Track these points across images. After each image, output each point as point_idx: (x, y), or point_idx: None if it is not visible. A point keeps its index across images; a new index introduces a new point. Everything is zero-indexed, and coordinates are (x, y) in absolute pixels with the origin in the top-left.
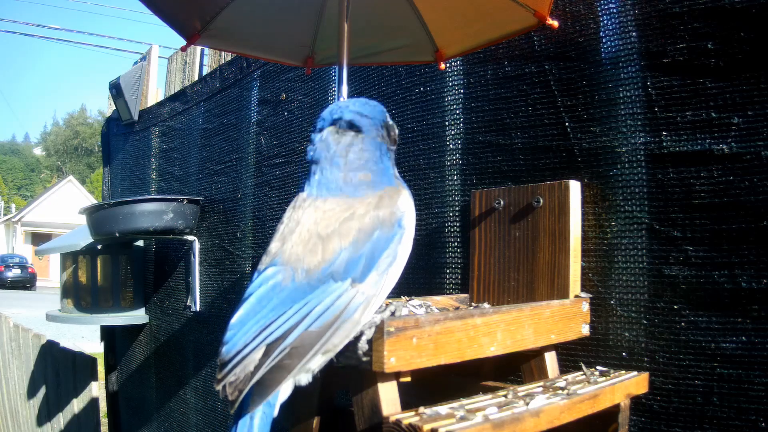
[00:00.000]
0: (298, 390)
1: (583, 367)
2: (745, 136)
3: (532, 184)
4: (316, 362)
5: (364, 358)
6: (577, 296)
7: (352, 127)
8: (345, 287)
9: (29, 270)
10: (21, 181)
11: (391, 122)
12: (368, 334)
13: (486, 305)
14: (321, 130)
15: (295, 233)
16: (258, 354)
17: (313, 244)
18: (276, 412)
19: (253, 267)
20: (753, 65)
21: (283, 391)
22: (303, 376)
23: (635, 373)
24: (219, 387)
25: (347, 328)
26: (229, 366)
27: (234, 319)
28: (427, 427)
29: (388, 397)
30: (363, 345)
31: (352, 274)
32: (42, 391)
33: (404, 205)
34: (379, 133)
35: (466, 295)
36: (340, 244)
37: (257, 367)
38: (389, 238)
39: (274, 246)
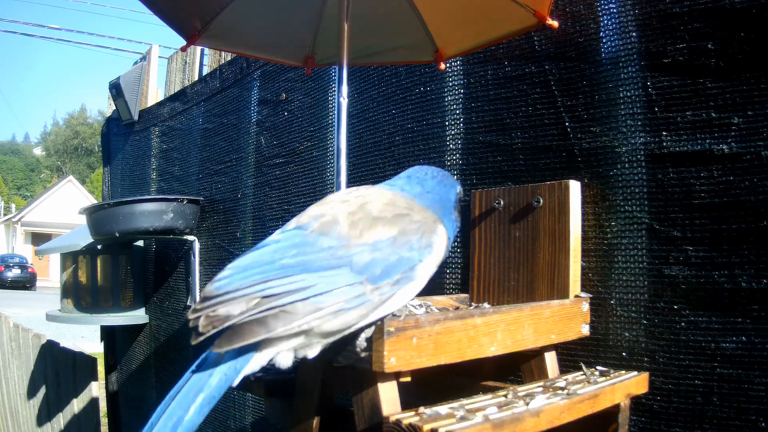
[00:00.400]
0: (297, 390)
1: (583, 367)
2: (745, 136)
3: (532, 184)
4: (298, 343)
5: (363, 354)
6: (577, 296)
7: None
8: (357, 282)
9: (29, 270)
10: (21, 181)
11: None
12: (367, 332)
13: (486, 305)
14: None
15: (348, 202)
16: (247, 300)
17: (358, 219)
18: (237, 381)
19: None
20: (753, 65)
21: (255, 361)
22: (281, 355)
23: (635, 373)
24: (193, 316)
25: (339, 322)
26: (214, 301)
27: (236, 262)
28: (427, 427)
29: (388, 397)
30: (361, 342)
31: (368, 273)
32: (42, 391)
33: (442, 233)
34: (455, 193)
35: (466, 295)
36: (380, 234)
37: (242, 313)
38: (416, 257)
39: (314, 210)
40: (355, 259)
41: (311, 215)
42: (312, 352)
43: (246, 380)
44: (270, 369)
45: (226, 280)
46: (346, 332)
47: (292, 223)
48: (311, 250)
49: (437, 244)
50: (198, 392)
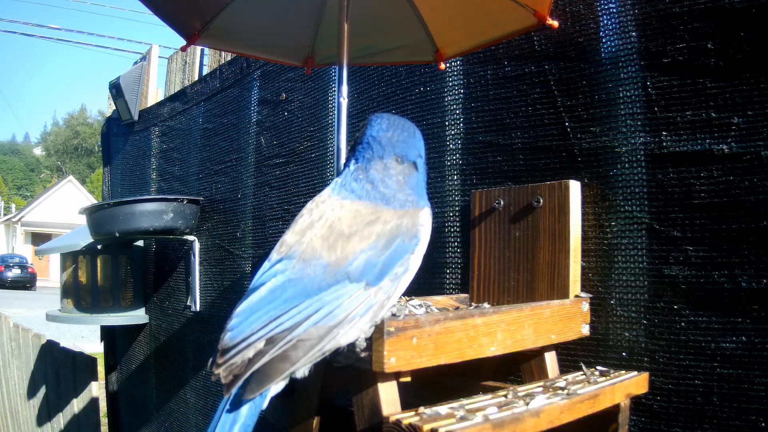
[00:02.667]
0: (297, 387)
1: (583, 367)
2: (745, 136)
3: (532, 184)
4: (316, 357)
5: (363, 354)
6: (577, 296)
7: (410, 162)
8: (359, 288)
9: (29, 270)
10: (21, 181)
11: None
12: (367, 332)
13: (486, 305)
14: (375, 143)
15: (315, 227)
16: (263, 342)
17: (334, 240)
18: (265, 404)
19: (253, 267)
20: (753, 65)
21: (277, 384)
22: (300, 371)
23: (635, 373)
24: (217, 371)
25: (355, 332)
26: (232, 352)
27: (241, 308)
28: (427, 427)
29: (388, 397)
30: (361, 343)
31: (367, 277)
32: (42, 391)
33: (424, 218)
34: (424, 167)
35: (466, 295)
36: (361, 245)
37: (259, 353)
38: (406, 248)
39: (290, 238)
40: (350, 269)
41: (289, 243)
42: (321, 359)
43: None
44: None
45: (237, 329)
46: (363, 334)
47: (275, 254)
48: (305, 279)
49: (422, 230)
50: (233, 424)
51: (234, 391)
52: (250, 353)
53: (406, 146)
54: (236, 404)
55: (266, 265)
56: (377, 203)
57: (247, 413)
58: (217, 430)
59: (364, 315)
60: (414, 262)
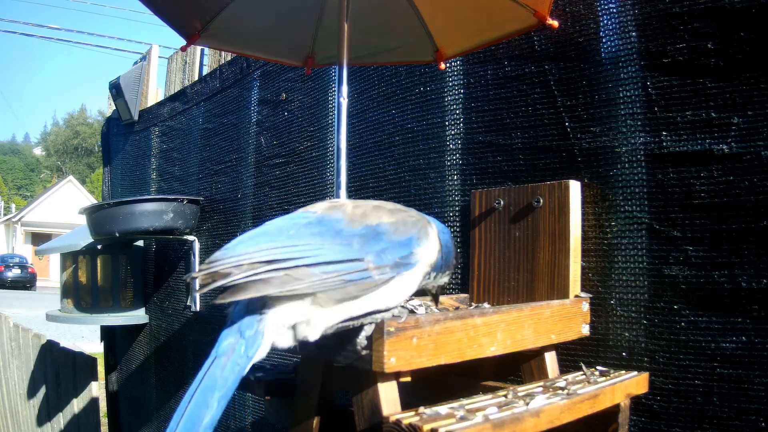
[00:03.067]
0: (297, 389)
1: (583, 367)
2: (745, 136)
3: (532, 184)
4: (300, 313)
5: (363, 353)
6: (577, 296)
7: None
8: (360, 256)
9: (29, 270)
10: (21, 181)
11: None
12: (368, 330)
13: (486, 305)
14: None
15: (351, 202)
16: (253, 262)
17: (352, 207)
18: (248, 367)
19: None
20: (753, 65)
21: (263, 346)
22: (281, 334)
23: (635, 373)
24: (196, 274)
25: (341, 293)
26: (217, 263)
27: (244, 234)
28: (427, 427)
29: (388, 397)
30: (362, 341)
31: (371, 251)
32: (42, 391)
33: (433, 234)
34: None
35: (466, 295)
36: (376, 216)
37: (245, 270)
38: (412, 245)
39: (319, 204)
40: (359, 236)
41: (315, 206)
42: (311, 333)
43: (246, 380)
44: (271, 369)
45: (231, 248)
46: (348, 309)
47: (297, 212)
48: (317, 226)
49: (432, 237)
50: (214, 388)
51: (199, 291)
52: (235, 269)
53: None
54: (218, 364)
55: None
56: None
57: (232, 376)
58: (197, 392)
59: (355, 283)
60: (419, 259)
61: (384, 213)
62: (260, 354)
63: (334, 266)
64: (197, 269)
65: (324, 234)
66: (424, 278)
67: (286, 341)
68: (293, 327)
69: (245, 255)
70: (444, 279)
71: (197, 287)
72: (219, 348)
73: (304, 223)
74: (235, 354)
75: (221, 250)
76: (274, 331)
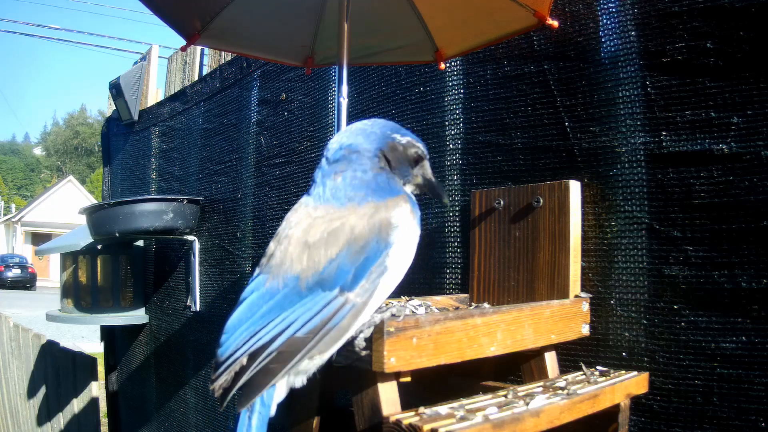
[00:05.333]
0: (296, 391)
1: (583, 367)
2: (744, 135)
3: (532, 184)
4: (305, 366)
5: (363, 353)
6: (577, 296)
7: (344, 159)
8: (333, 295)
9: (29, 270)
10: (21, 181)
11: (398, 144)
12: (366, 332)
13: (486, 305)
14: (323, 161)
15: (287, 239)
16: (245, 358)
17: (300, 252)
18: (272, 412)
19: (253, 267)
20: (752, 65)
21: (278, 392)
22: (296, 378)
23: (635, 373)
24: (212, 387)
25: (334, 335)
26: (221, 368)
27: (229, 323)
28: (427, 427)
29: (388, 397)
30: (360, 342)
31: (341, 283)
32: (42, 391)
33: (399, 217)
34: (373, 163)
35: (466, 295)
36: (327, 253)
37: (243, 369)
38: (380, 250)
39: (270, 247)
40: (321, 279)
41: (268, 255)
42: (319, 367)
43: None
44: None
45: (225, 345)
46: (347, 338)
47: (257, 270)
48: (278, 292)
49: (401, 224)
50: None
51: (226, 403)
52: (236, 368)
53: (331, 148)
54: (245, 417)
55: (251, 279)
56: (338, 206)
57: (257, 423)
58: None
59: (342, 320)
60: (394, 262)
61: (340, 235)
62: (277, 400)
63: (315, 319)
64: (195, 304)
65: (291, 296)
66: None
67: (300, 383)
68: (300, 372)
69: (238, 352)
70: (421, 168)
71: (220, 401)
72: (247, 408)
73: (265, 293)
74: (256, 406)
75: (218, 349)
76: (285, 383)
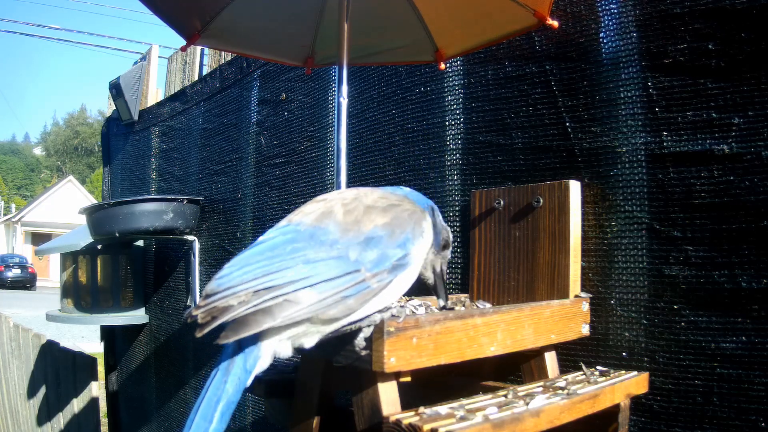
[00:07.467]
0: (297, 389)
1: (583, 367)
2: (745, 136)
3: (532, 184)
4: (298, 332)
5: (363, 353)
6: (577, 296)
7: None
8: (356, 268)
9: (29, 270)
10: (21, 181)
11: (438, 218)
12: (366, 332)
13: (487, 305)
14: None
15: (332, 201)
16: (248, 294)
17: (351, 209)
18: (250, 380)
19: None
20: (754, 66)
21: (263, 359)
22: (283, 345)
23: (635, 373)
24: (196, 312)
25: (341, 309)
26: (216, 296)
27: (234, 260)
28: (427, 427)
29: (388, 397)
30: (360, 342)
31: (366, 261)
32: (42, 391)
33: (426, 227)
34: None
35: (466, 295)
36: (375, 222)
37: (243, 302)
38: (406, 245)
39: (304, 208)
40: (352, 248)
41: (305, 212)
42: (309, 342)
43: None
44: (271, 368)
45: (226, 278)
46: (347, 320)
47: (285, 221)
48: (308, 242)
49: (427, 231)
50: (217, 402)
51: (204, 333)
52: (233, 301)
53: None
54: (220, 379)
55: (275, 228)
56: (405, 197)
57: (233, 389)
58: (202, 406)
59: (354, 297)
60: (415, 258)
61: (377, 214)
62: (260, 367)
63: (331, 283)
64: (195, 304)
65: (317, 249)
66: (422, 266)
67: (285, 352)
68: (291, 338)
69: (241, 285)
70: (444, 255)
71: (199, 328)
72: (221, 363)
73: (295, 238)
74: (236, 368)
75: (215, 280)
76: (273, 345)
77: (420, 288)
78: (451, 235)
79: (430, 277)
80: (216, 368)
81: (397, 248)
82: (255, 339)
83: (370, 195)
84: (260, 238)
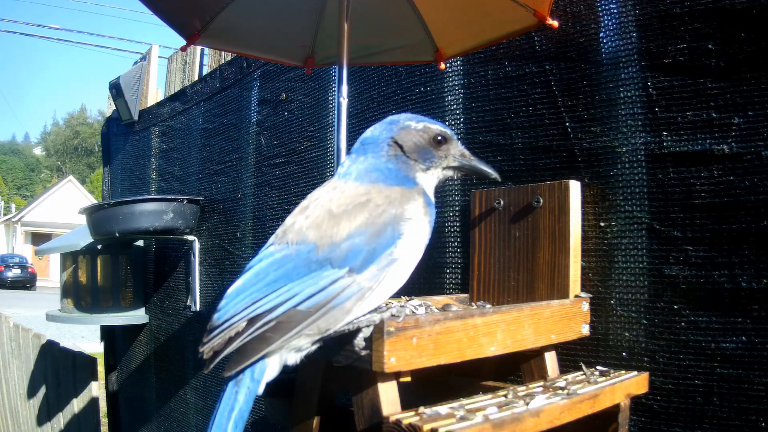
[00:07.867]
0: (297, 389)
1: (583, 367)
2: (745, 136)
3: (532, 184)
4: (301, 343)
5: (363, 353)
6: (577, 296)
7: (361, 149)
8: (341, 274)
9: (29, 270)
10: (21, 181)
11: (412, 129)
12: (366, 332)
13: (487, 305)
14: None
15: (308, 210)
16: (243, 323)
17: (321, 220)
18: (261, 389)
19: None
20: (753, 66)
21: (270, 369)
22: (289, 355)
23: (635, 373)
24: (202, 349)
25: (336, 315)
26: (216, 331)
27: (230, 290)
28: (427, 427)
29: (388, 397)
30: (360, 342)
31: (351, 264)
32: (42, 391)
33: (413, 211)
34: (385, 150)
35: (466, 295)
36: (349, 225)
37: (239, 334)
38: (393, 238)
39: (287, 222)
40: (333, 256)
41: (284, 228)
42: (314, 348)
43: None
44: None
45: (223, 310)
46: (348, 320)
47: (271, 239)
48: (289, 261)
49: (414, 217)
50: (230, 412)
51: (212, 367)
52: (231, 333)
53: (382, 131)
54: (233, 391)
55: (260, 250)
56: (374, 184)
57: (244, 399)
58: (217, 415)
59: (347, 301)
60: (405, 253)
61: (357, 213)
62: (269, 376)
63: (318, 296)
64: (195, 304)
65: (300, 266)
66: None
67: (292, 360)
68: (295, 348)
69: (236, 316)
70: (447, 153)
71: (207, 363)
72: (233, 377)
73: (278, 259)
74: (246, 379)
75: (215, 313)
76: (279, 357)
77: (421, 287)
78: (433, 128)
79: (457, 170)
80: (227, 379)
81: (383, 246)
82: (260, 357)
83: (334, 198)
84: (250, 263)
